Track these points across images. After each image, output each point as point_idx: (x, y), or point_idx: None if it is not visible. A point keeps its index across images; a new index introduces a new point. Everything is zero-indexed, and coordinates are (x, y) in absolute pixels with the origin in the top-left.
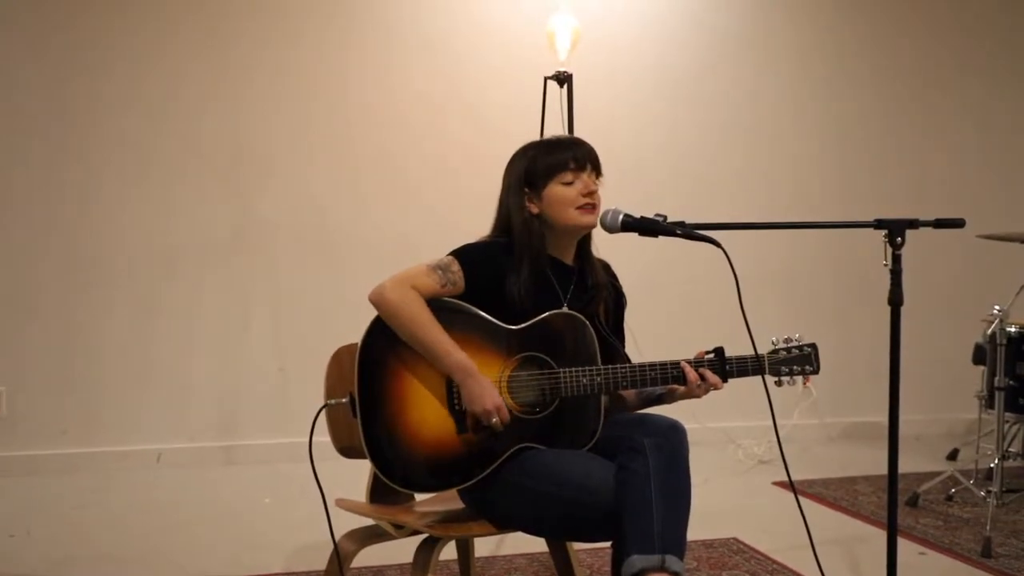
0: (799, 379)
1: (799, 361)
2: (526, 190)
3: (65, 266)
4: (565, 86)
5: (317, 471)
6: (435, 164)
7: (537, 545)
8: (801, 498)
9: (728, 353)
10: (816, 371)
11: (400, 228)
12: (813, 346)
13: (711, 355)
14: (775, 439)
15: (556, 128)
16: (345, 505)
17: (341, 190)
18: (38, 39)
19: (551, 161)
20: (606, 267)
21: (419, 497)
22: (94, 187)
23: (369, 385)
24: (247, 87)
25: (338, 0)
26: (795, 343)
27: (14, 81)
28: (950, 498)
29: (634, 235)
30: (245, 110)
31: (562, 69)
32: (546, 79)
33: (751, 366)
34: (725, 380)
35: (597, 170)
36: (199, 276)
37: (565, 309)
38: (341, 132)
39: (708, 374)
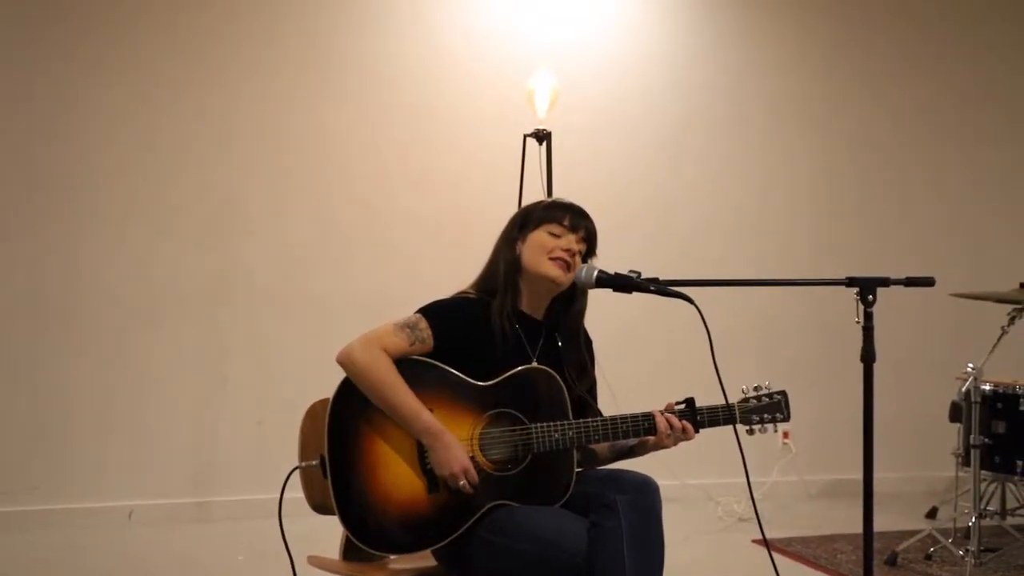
0: (770, 427)
1: (769, 409)
2: (518, 232)
3: (37, 319)
4: (544, 143)
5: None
6: (415, 218)
7: None
8: (780, 556)
9: (701, 405)
10: (787, 419)
11: (380, 282)
12: (783, 393)
13: (681, 405)
14: (755, 494)
15: (535, 185)
16: (317, 563)
17: (321, 243)
18: (15, 92)
19: (548, 213)
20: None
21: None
22: (72, 240)
23: (340, 447)
24: (228, 141)
25: (318, 56)
26: (765, 391)
27: None
28: (929, 557)
29: (616, 292)
30: (226, 164)
31: (541, 127)
32: (525, 136)
33: (722, 416)
34: (697, 430)
35: (590, 245)
36: (176, 329)
37: (535, 364)
38: (322, 186)
39: (676, 421)
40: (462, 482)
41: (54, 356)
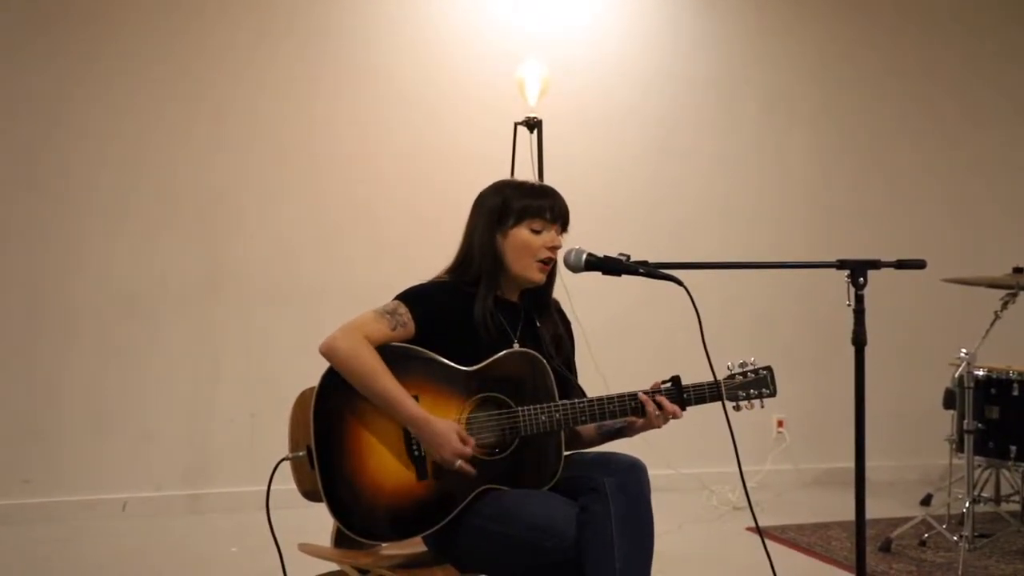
0: (757, 403)
1: (756, 385)
2: (497, 225)
3: (28, 312)
4: (535, 131)
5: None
6: (406, 210)
7: None
8: (774, 543)
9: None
10: (773, 394)
11: (372, 274)
12: (769, 369)
13: (668, 384)
14: (749, 482)
15: (526, 173)
16: (308, 550)
17: (313, 237)
18: (9, 88)
19: (528, 204)
20: (556, 307)
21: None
22: (63, 234)
23: (326, 436)
24: (219, 135)
25: (309, 49)
26: (751, 367)
27: None
28: (923, 543)
29: (607, 278)
30: (218, 158)
31: (532, 115)
32: (516, 125)
33: (708, 392)
34: (684, 408)
35: (565, 227)
36: (169, 322)
37: (518, 347)
38: (313, 179)
39: (666, 403)
40: (458, 464)
41: (47, 350)
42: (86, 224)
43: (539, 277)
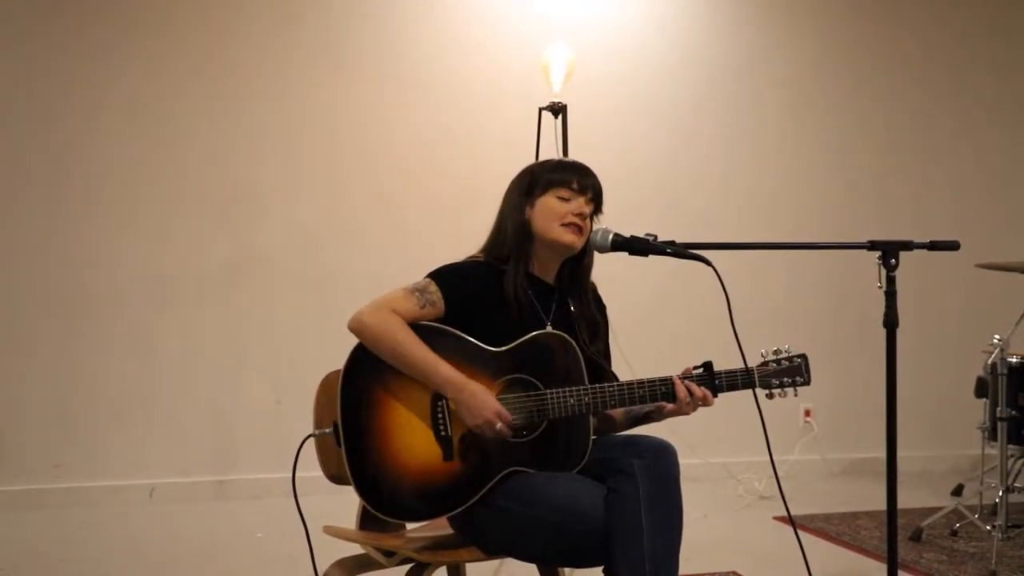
0: (790, 391)
1: (789, 372)
2: (525, 197)
3: (57, 301)
4: (560, 116)
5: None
6: (429, 197)
7: (529, 571)
8: (802, 532)
9: (719, 369)
10: (807, 382)
11: (394, 261)
12: (803, 356)
13: (699, 369)
14: (775, 471)
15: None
16: (333, 531)
17: (335, 224)
18: (29, 77)
19: (555, 176)
20: (592, 290)
21: (410, 524)
22: (88, 223)
23: (353, 414)
24: (241, 123)
25: (331, 36)
26: (784, 355)
27: (5, 119)
28: (955, 533)
29: (634, 264)
30: (239, 146)
31: (557, 100)
32: (541, 110)
33: (741, 379)
34: (715, 395)
35: (597, 204)
36: (193, 310)
37: (549, 329)
38: (335, 166)
39: (697, 389)
40: (499, 426)
41: (74, 338)
42: (110, 213)
43: (569, 238)
